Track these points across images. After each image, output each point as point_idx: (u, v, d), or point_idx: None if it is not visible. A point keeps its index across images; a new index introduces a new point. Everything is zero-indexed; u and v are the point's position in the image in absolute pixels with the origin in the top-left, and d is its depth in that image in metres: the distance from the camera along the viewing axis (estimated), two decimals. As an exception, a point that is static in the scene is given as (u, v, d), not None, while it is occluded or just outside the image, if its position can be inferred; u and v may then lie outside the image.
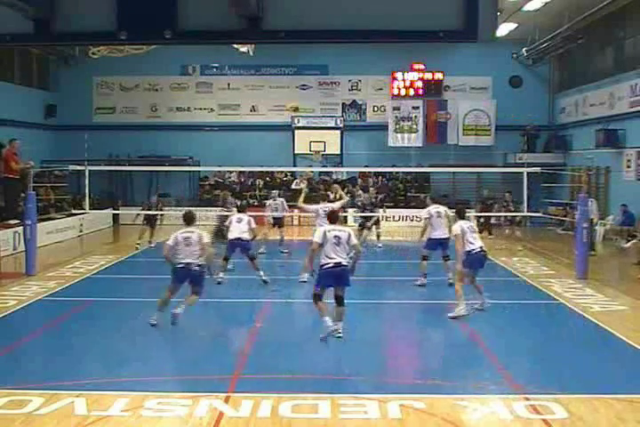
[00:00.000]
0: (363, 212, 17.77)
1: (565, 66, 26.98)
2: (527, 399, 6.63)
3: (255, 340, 9.17)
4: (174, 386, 7.30)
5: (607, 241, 19.33)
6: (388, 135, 26.76)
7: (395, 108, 26.94)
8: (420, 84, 27.08)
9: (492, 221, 19.52)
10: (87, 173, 15.80)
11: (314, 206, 13.27)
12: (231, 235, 12.64)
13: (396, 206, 25.93)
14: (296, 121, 26.89)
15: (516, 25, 23.98)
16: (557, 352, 8.60)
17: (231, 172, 27.47)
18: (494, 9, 3.76)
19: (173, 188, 27.27)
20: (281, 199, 17.65)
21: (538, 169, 15.74)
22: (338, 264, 8.62)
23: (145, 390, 6.80)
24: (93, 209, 20.38)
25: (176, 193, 27.16)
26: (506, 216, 19.46)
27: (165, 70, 27.34)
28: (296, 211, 19.55)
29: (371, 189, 19.99)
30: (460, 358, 8.60)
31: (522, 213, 17.57)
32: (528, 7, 22.02)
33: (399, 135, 26.91)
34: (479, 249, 10.29)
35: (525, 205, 16.23)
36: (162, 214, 18.36)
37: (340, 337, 8.69)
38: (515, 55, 27.18)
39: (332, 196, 15.78)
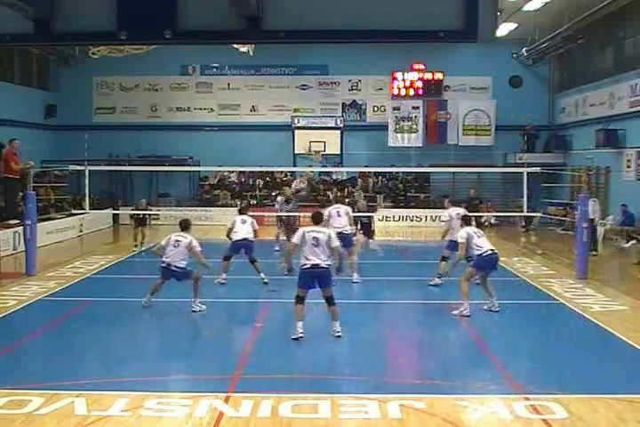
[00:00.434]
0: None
1: (565, 66, 26.98)
2: (527, 399, 6.64)
3: (255, 340, 9.17)
4: (174, 386, 7.30)
5: (607, 241, 19.33)
6: (387, 135, 26.74)
7: (395, 108, 26.92)
8: (419, 84, 27.06)
9: (483, 220, 19.66)
10: (87, 173, 15.79)
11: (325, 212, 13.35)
12: (236, 236, 12.74)
13: (396, 206, 25.96)
14: (296, 121, 26.89)
15: (516, 25, 23.97)
16: (557, 352, 8.60)
17: (231, 172, 27.48)
18: (494, 9, 3.76)
19: (173, 188, 27.32)
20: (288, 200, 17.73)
21: (538, 169, 15.74)
22: (315, 265, 8.69)
23: (145, 390, 6.80)
24: (93, 209, 20.36)
25: (176, 193, 27.21)
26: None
27: (165, 70, 27.32)
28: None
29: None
30: (459, 358, 8.61)
31: (521, 214, 17.57)
32: (528, 7, 22.01)
33: (399, 135, 26.90)
34: (490, 251, 10.44)
35: (525, 205, 16.22)
36: (150, 215, 18.25)
37: (339, 336, 8.71)
38: (515, 55, 27.16)
39: (331, 196, 15.77)
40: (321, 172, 27.14)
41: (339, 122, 26.93)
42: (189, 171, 26.69)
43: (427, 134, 26.91)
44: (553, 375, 7.53)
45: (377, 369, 7.87)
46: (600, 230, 19.01)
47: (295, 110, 27.68)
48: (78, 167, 18.07)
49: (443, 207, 14.52)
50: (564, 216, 21.47)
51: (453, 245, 12.49)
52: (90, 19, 3.78)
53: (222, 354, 8.52)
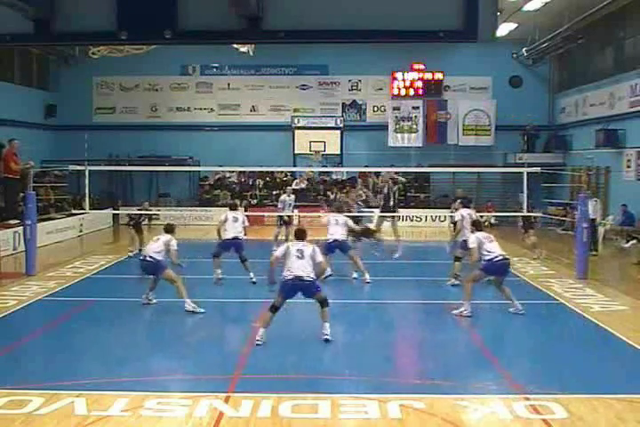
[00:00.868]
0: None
1: (565, 66, 26.97)
2: (527, 399, 6.64)
3: (255, 340, 9.16)
4: (174, 386, 7.29)
5: (607, 241, 19.31)
6: (387, 135, 26.74)
7: (395, 108, 26.92)
8: (419, 84, 27.06)
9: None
10: (87, 173, 15.77)
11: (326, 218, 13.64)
12: (227, 234, 12.78)
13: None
14: (296, 121, 26.90)
15: (516, 25, 23.97)
16: (557, 352, 8.60)
17: (231, 172, 27.47)
18: (494, 9, 3.76)
19: (173, 188, 27.32)
20: (293, 196, 17.94)
21: (538, 169, 15.73)
22: (298, 277, 8.59)
23: (145, 390, 6.80)
24: (93, 209, 20.34)
25: (176, 193, 27.20)
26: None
27: (165, 70, 27.32)
28: (296, 211, 19.58)
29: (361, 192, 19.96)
30: (460, 357, 8.61)
31: (520, 214, 17.54)
32: (528, 7, 22.01)
33: (399, 135, 26.90)
34: (501, 257, 10.45)
35: (525, 205, 16.22)
36: (148, 217, 17.99)
37: (327, 340, 8.63)
38: (515, 55, 27.16)
39: (331, 196, 15.88)
40: (321, 172, 27.15)
41: (339, 122, 26.94)
42: (189, 171, 26.70)
43: (427, 134, 26.91)
44: (553, 375, 7.53)
45: (377, 369, 7.86)
46: (600, 230, 19.01)
47: (295, 110, 27.69)
48: (78, 167, 18.04)
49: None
50: (564, 216, 21.46)
51: (466, 244, 12.53)
52: (90, 19, 3.77)
53: (222, 354, 8.53)
